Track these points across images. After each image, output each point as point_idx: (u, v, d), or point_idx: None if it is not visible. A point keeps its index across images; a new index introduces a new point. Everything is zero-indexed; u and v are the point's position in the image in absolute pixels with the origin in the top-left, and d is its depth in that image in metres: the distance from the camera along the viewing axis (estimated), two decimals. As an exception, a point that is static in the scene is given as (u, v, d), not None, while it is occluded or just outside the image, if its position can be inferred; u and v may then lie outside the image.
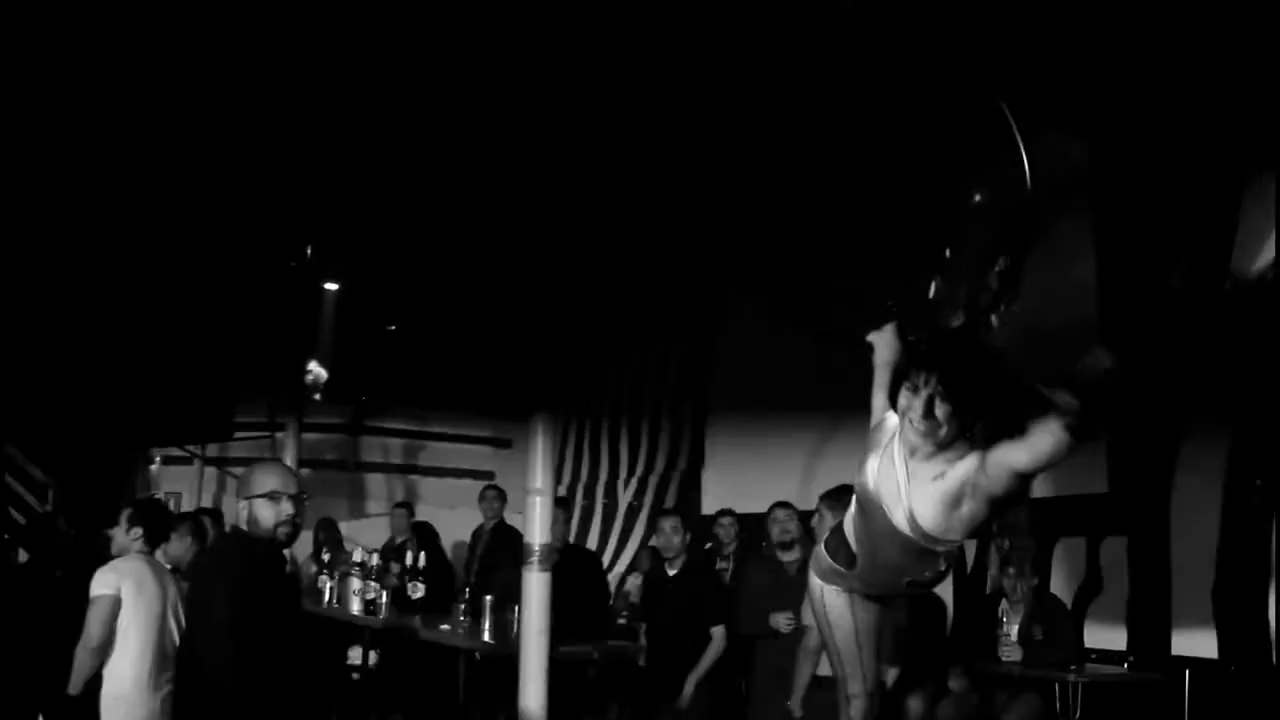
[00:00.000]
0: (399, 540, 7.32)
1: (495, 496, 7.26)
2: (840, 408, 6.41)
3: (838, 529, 3.12)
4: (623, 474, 9.25)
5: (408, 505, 7.85)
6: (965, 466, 2.68)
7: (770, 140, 6.23)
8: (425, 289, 10.01)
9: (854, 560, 3.05)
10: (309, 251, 7.15)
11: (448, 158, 8.29)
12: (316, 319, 7.82)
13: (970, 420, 2.71)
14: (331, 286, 9.97)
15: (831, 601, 3.17)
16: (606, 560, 8.91)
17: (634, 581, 8.09)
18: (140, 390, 6.88)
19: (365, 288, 10.06)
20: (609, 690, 6.27)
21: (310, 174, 7.03)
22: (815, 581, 3.20)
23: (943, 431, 2.71)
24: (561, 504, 5.77)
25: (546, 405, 4.17)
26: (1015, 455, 2.59)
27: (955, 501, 2.71)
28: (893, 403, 2.87)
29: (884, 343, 3.16)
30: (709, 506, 7.90)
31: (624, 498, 9.20)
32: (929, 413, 2.71)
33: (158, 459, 9.14)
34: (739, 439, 7.92)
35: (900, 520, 2.80)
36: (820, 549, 3.19)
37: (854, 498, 3.04)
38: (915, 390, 2.74)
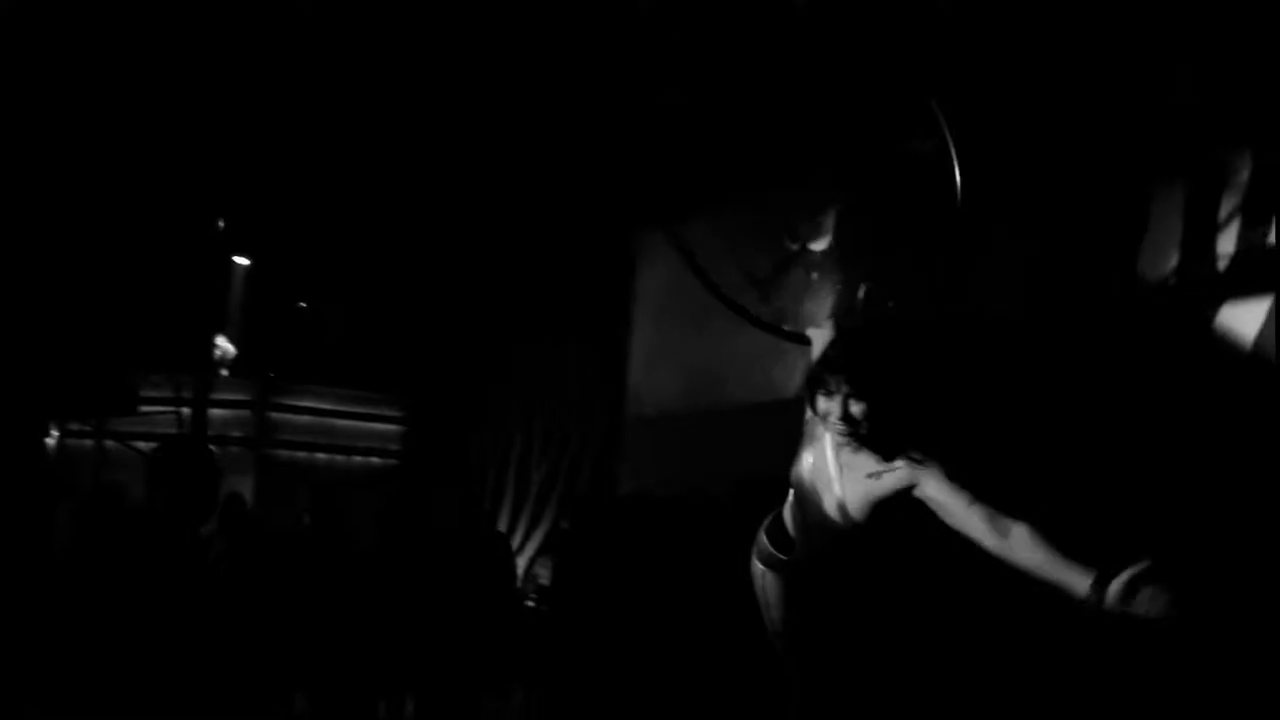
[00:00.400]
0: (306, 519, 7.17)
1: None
2: (765, 392, 6.54)
3: (778, 516, 3.18)
4: (535, 451, 9.21)
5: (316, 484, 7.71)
6: (905, 476, 2.77)
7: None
8: (336, 266, 9.91)
9: (792, 546, 3.13)
10: (220, 225, 7.01)
11: (362, 132, 8.19)
12: (226, 293, 7.68)
13: (889, 417, 2.79)
14: (242, 261, 9.81)
15: (771, 584, 3.22)
16: (516, 542, 8.89)
17: (544, 565, 8.09)
18: (38, 362, 6.65)
19: (276, 263, 9.93)
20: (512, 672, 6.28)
21: (223, 146, 6.90)
22: (757, 565, 3.26)
23: (863, 429, 2.79)
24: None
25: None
26: (986, 537, 2.61)
27: (887, 503, 2.81)
28: (811, 406, 2.93)
29: (823, 341, 3.20)
30: (627, 489, 7.93)
31: (535, 477, 9.16)
32: (846, 414, 2.78)
33: (55, 434, 8.88)
34: (658, 422, 7.94)
35: (831, 508, 2.90)
36: (762, 535, 3.25)
37: (791, 489, 3.11)
38: (830, 394, 2.81)
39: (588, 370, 8.92)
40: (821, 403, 2.85)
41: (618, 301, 8.71)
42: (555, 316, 9.26)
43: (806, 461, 3.01)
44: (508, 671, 6.24)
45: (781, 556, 3.14)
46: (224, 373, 9.27)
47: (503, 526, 9.12)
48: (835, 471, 2.90)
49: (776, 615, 3.23)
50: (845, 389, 2.79)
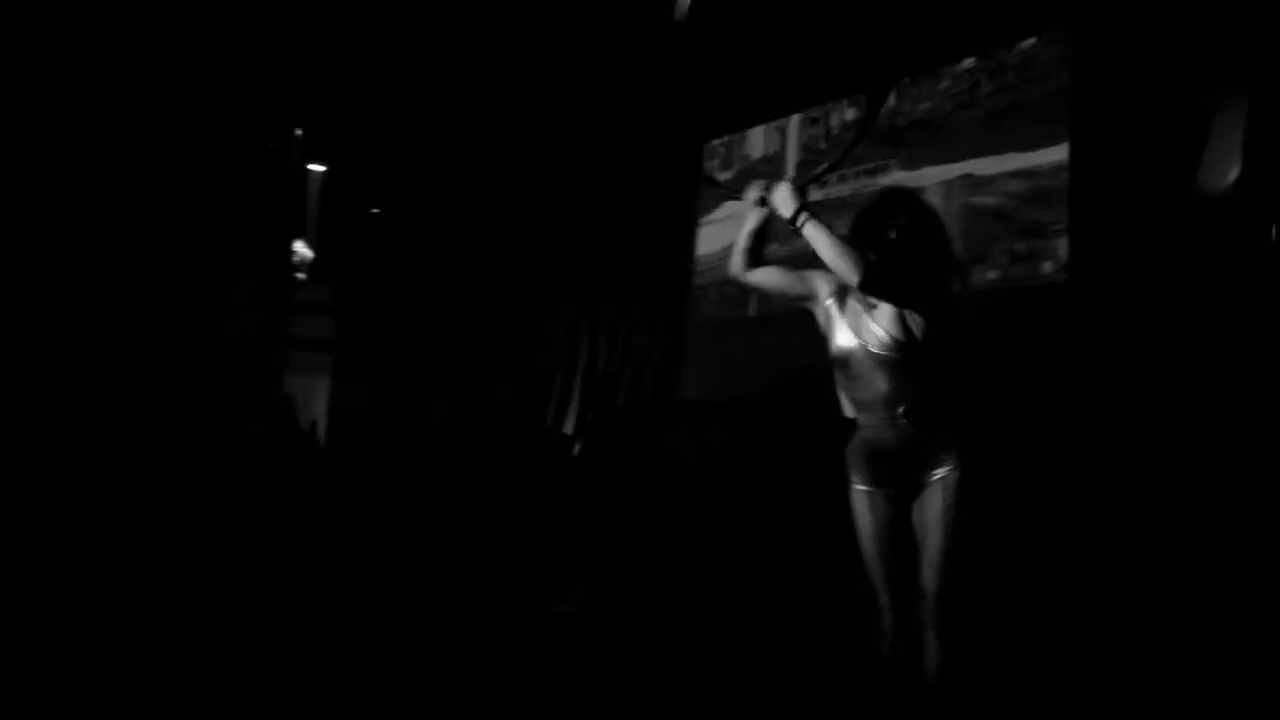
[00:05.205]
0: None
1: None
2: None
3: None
4: (601, 362, 9.39)
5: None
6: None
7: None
8: (410, 173, 10.09)
9: (854, 423, 3.37)
10: (296, 133, 7.20)
11: (436, 42, 8.28)
12: (303, 200, 7.88)
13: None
14: (318, 168, 10.02)
15: (855, 502, 3.37)
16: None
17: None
18: (124, 267, 6.93)
19: (352, 170, 10.13)
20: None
21: (299, 58, 7.06)
22: (856, 489, 3.39)
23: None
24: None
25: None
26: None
27: (903, 314, 3.22)
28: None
29: (781, 200, 3.38)
30: (687, 396, 8.11)
31: (601, 382, 9.33)
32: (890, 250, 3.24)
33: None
34: (718, 331, 8.06)
35: (876, 346, 3.23)
36: (849, 455, 3.42)
37: (833, 370, 3.40)
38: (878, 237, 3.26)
39: (654, 278, 9.01)
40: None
41: (683, 208, 8.75)
42: (623, 223, 9.35)
43: (840, 336, 3.34)
44: (570, 570, 6.44)
45: (856, 449, 3.36)
46: (301, 277, 9.55)
47: (569, 430, 9.34)
48: (866, 318, 3.27)
49: (863, 539, 3.34)
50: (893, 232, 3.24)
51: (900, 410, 3.23)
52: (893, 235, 3.25)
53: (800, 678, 4.10)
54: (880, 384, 3.25)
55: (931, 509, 3.21)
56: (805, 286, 3.46)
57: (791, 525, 4.92)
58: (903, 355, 3.21)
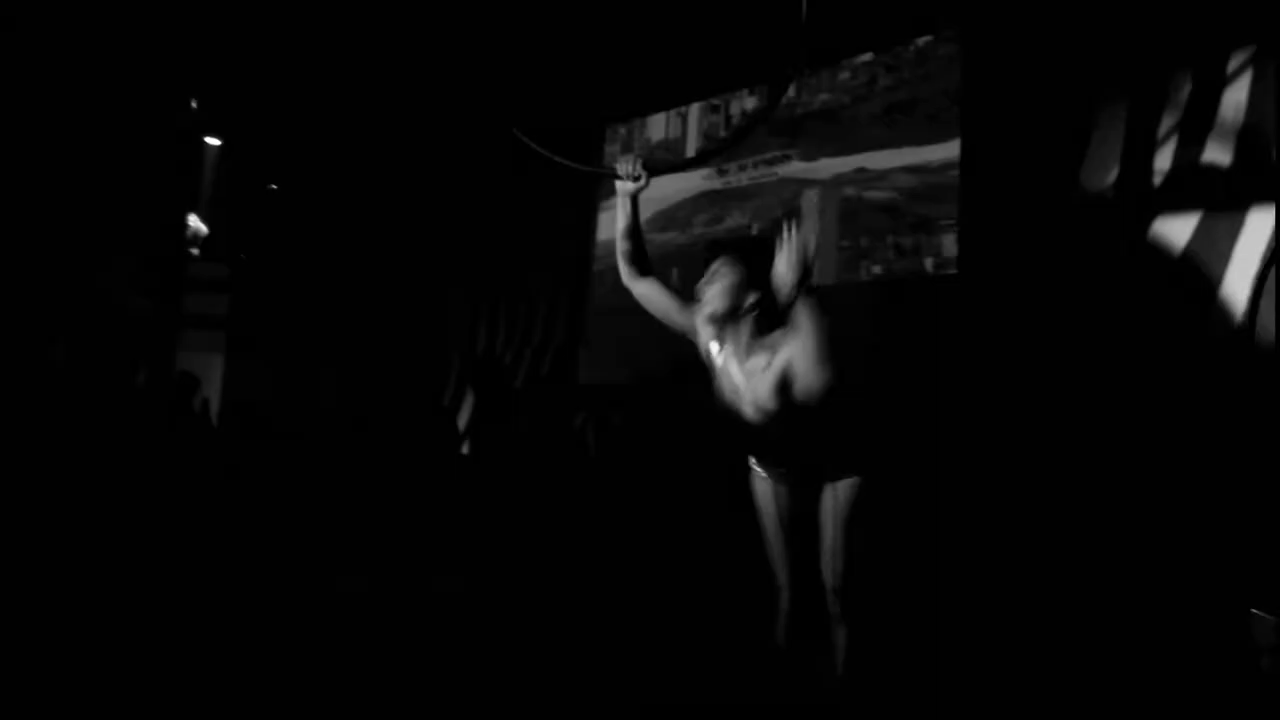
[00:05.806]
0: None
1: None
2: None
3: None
4: (499, 344, 9.38)
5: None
6: (785, 354, 3.00)
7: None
8: (308, 147, 9.92)
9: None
10: (193, 105, 7.06)
11: (335, 14, 8.17)
12: (198, 174, 7.72)
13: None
14: (214, 141, 9.82)
15: (758, 486, 3.36)
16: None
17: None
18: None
19: (249, 144, 9.93)
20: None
21: (197, 26, 6.93)
22: (756, 472, 3.38)
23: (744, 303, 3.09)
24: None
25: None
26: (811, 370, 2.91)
27: (785, 385, 3.01)
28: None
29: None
30: (585, 379, 8.16)
31: (499, 362, 9.32)
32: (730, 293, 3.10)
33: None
34: (617, 314, 8.08)
35: (751, 413, 3.11)
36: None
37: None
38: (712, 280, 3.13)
39: (554, 261, 9.01)
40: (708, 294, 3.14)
41: (582, 192, 8.77)
42: (523, 206, 9.33)
43: (721, 384, 3.21)
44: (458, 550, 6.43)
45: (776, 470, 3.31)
46: (195, 252, 9.37)
47: (466, 411, 9.33)
48: (742, 381, 3.12)
49: (765, 521, 3.34)
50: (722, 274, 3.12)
51: (786, 460, 3.23)
52: (752, 301, 3.11)
53: (696, 666, 4.18)
54: (764, 436, 3.19)
55: (831, 506, 3.20)
56: (686, 321, 3.27)
57: (690, 509, 4.98)
58: (779, 420, 3.10)
